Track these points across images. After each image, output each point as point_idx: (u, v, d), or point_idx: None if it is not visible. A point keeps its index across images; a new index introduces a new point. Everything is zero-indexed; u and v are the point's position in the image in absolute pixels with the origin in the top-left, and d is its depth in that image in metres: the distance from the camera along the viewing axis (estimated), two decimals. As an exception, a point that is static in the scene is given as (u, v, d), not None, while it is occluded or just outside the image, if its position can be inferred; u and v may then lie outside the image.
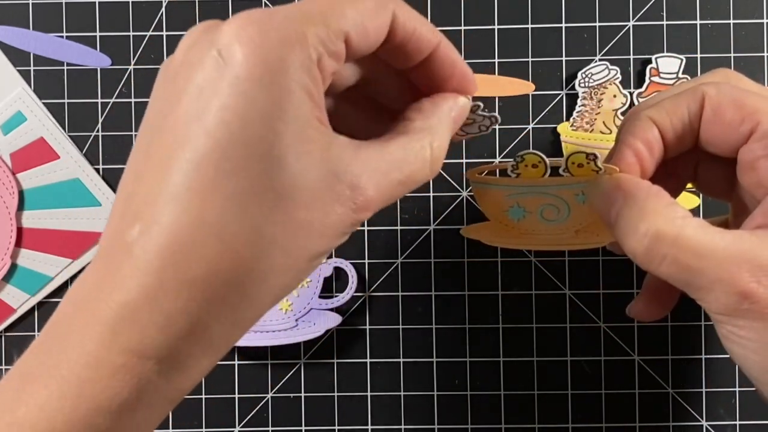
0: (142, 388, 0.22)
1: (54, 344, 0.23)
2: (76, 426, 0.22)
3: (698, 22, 0.45)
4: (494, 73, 0.45)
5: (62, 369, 0.22)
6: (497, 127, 0.45)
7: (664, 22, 0.45)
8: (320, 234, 0.24)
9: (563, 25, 0.45)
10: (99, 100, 0.46)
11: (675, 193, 0.33)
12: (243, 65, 0.22)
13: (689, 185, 0.35)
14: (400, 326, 0.46)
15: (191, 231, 0.22)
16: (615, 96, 0.45)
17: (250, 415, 0.46)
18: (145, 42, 0.46)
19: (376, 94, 0.30)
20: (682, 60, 0.44)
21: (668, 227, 0.27)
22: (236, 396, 0.46)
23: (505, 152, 0.45)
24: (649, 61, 0.45)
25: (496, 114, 0.30)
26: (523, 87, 0.45)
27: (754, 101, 0.29)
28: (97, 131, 0.46)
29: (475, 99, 0.29)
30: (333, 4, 0.24)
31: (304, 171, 0.23)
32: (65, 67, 0.46)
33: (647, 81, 0.45)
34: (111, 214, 0.24)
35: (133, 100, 0.46)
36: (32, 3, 0.46)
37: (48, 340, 0.24)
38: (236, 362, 0.46)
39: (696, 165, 0.34)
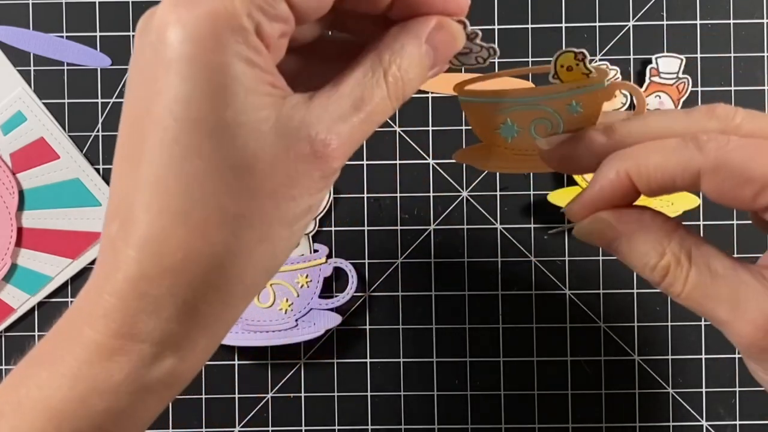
0: (137, 370, 0.23)
1: (61, 330, 0.25)
2: (72, 405, 0.23)
3: (698, 22, 0.45)
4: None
5: (63, 351, 0.23)
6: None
7: (664, 22, 0.45)
8: (290, 197, 0.23)
9: (563, 25, 0.45)
10: (99, 100, 0.46)
11: None
12: (175, 47, 0.22)
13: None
14: (400, 326, 0.46)
15: (159, 221, 0.22)
16: (615, 96, 0.45)
17: (250, 415, 0.46)
18: (145, 42, 0.46)
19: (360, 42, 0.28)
20: (682, 60, 0.44)
21: (678, 272, 0.27)
22: (236, 396, 0.46)
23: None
24: (649, 61, 0.45)
25: (495, 45, 0.28)
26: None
27: (764, 168, 0.25)
28: (97, 131, 0.46)
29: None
30: None
31: (257, 140, 0.23)
32: (65, 67, 0.46)
33: (647, 81, 0.45)
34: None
35: (133, 100, 0.46)
36: (32, 3, 0.46)
37: (56, 330, 0.25)
38: (236, 362, 0.46)
39: None
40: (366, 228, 0.46)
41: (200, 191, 0.22)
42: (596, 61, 0.45)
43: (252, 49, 0.23)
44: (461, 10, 0.26)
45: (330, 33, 0.29)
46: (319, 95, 0.24)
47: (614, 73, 0.45)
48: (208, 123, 0.22)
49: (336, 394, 0.46)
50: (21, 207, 0.45)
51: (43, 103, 0.46)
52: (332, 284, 0.46)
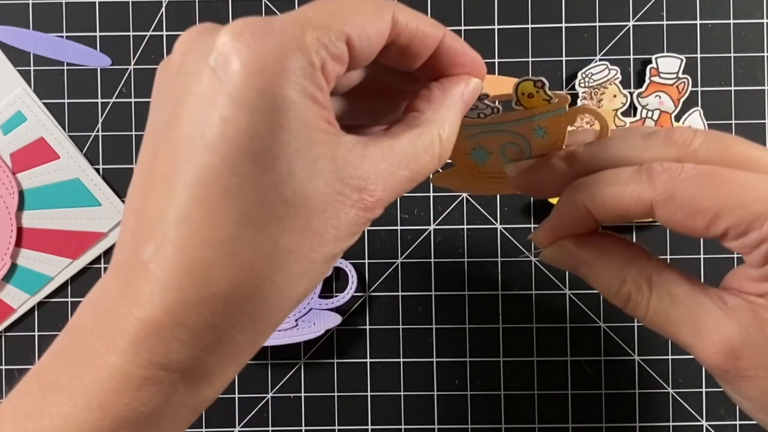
0: (168, 399, 0.23)
1: (77, 354, 0.23)
2: None
3: (698, 22, 0.45)
4: (494, 74, 0.45)
5: (86, 380, 0.22)
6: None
7: (664, 22, 0.45)
8: (335, 238, 0.24)
9: (563, 25, 0.45)
10: (99, 100, 0.46)
11: None
12: (241, 76, 0.22)
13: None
14: (400, 326, 0.46)
15: (206, 249, 0.22)
16: (615, 96, 0.45)
17: (250, 415, 0.46)
18: (145, 42, 0.46)
19: (385, 86, 0.30)
20: (682, 60, 0.44)
21: (640, 298, 0.28)
22: (236, 396, 0.46)
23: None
24: (649, 61, 0.45)
25: (499, 105, 0.29)
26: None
27: (714, 199, 0.26)
28: (97, 131, 0.46)
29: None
30: (332, 10, 0.24)
31: (313, 177, 0.23)
32: (65, 67, 0.46)
33: (647, 81, 0.45)
34: (122, 228, 0.24)
35: (133, 100, 0.46)
36: (32, 3, 0.46)
37: (70, 350, 0.23)
38: (236, 362, 0.46)
39: None
40: (366, 228, 0.46)
41: (254, 222, 0.22)
42: (596, 61, 0.45)
43: (316, 86, 0.23)
44: (483, 76, 0.28)
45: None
46: (373, 146, 0.24)
47: (615, 73, 0.45)
48: (270, 156, 0.22)
49: (336, 394, 0.46)
50: (21, 207, 0.45)
51: (43, 103, 0.46)
52: (332, 284, 0.46)
